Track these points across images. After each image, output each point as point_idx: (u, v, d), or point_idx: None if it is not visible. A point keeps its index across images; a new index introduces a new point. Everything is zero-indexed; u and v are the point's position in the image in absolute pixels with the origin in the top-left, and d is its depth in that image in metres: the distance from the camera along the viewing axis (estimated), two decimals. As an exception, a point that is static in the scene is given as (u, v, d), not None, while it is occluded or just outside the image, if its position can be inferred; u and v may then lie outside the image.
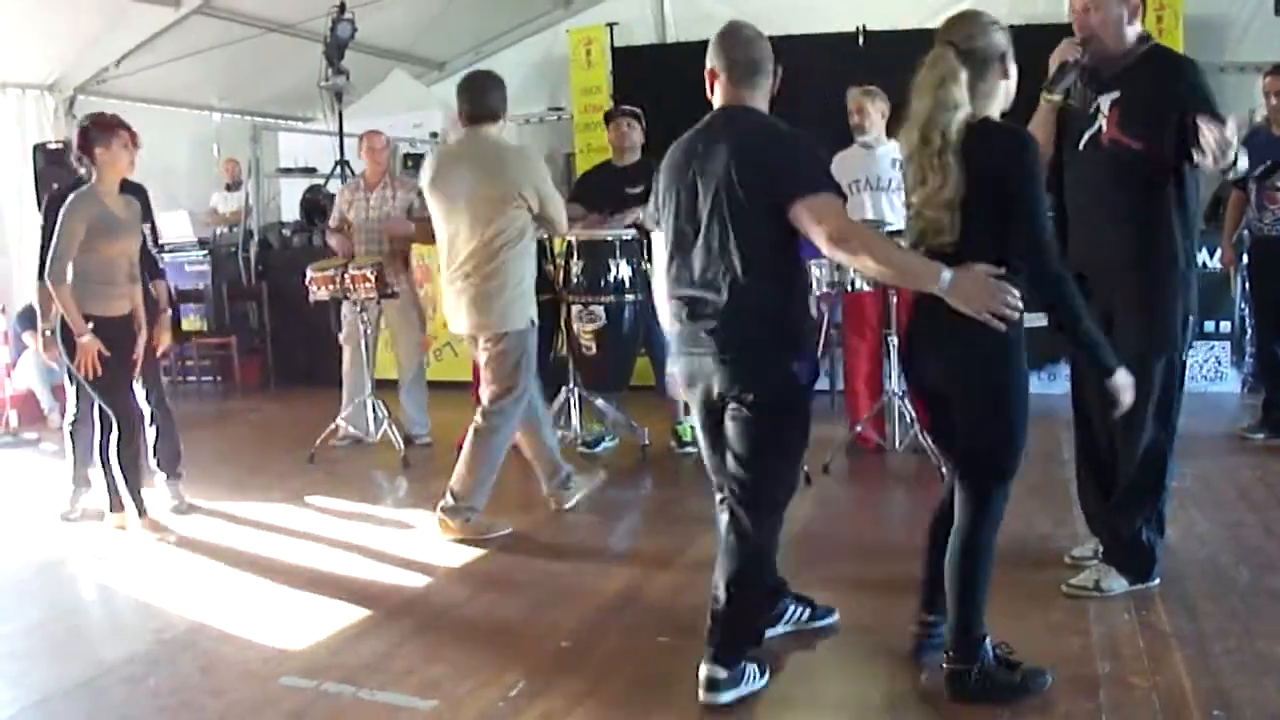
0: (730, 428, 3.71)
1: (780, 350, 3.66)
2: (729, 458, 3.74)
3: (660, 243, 3.95)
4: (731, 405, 3.68)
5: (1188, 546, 4.95)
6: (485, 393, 5.72)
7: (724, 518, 3.79)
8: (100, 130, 5.78)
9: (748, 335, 3.64)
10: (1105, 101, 4.35)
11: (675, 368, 3.89)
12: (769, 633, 4.07)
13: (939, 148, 3.37)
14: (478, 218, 5.52)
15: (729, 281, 3.61)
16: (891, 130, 7.03)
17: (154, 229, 6.61)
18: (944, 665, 3.67)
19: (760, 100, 3.79)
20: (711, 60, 3.77)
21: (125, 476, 5.88)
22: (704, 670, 3.70)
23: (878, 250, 3.60)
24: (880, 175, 7.01)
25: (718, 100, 3.79)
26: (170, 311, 6.69)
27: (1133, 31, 4.36)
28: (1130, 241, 4.32)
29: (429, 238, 6.16)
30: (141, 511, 5.94)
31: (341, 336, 8.09)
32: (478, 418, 5.72)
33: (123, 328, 5.85)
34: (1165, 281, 4.32)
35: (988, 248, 3.40)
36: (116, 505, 6.04)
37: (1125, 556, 4.52)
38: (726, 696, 3.69)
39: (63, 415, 6.89)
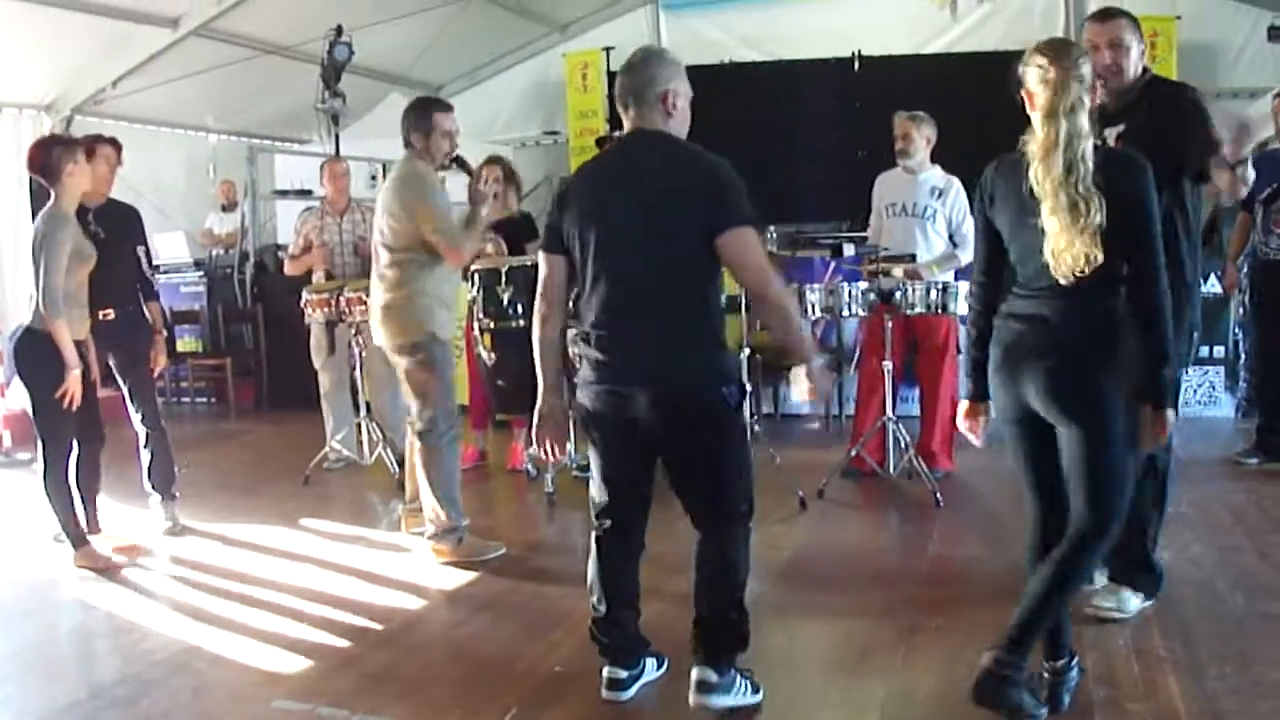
0: (679, 457, 3.80)
1: (713, 376, 3.70)
2: (688, 483, 3.85)
3: (552, 269, 3.88)
4: (675, 434, 3.72)
5: (1182, 571, 4.95)
6: (411, 408, 5.77)
7: (704, 531, 3.88)
8: (67, 148, 5.75)
9: (683, 365, 3.67)
10: (1111, 135, 4.43)
11: (587, 400, 3.82)
12: (631, 692, 4.02)
13: (1083, 174, 3.34)
14: (384, 235, 5.67)
15: (662, 310, 3.66)
16: (935, 156, 7.04)
17: (148, 251, 6.59)
18: (987, 666, 3.54)
19: (661, 121, 3.77)
20: (616, 92, 3.83)
21: (54, 505, 5.76)
22: (695, 673, 3.77)
23: (789, 302, 3.78)
24: (918, 202, 7.00)
25: (626, 128, 3.82)
26: (166, 333, 6.67)
27: (1140, 66, 4.50)
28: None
29: None
30: (76, 543, 5.79)
31: (318, 363, 8.09)
32: (414, 440, 5.80)
33: (85, 351, 5.79)
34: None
35: (1110, 273, 3.41)
36: (93, 527, 6.02)
37: (1137, 575, 4.57)
38: (719, 701, 3.76)
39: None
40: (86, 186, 5.81)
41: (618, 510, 3.94)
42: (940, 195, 6.94)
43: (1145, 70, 4.55)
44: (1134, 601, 4.54)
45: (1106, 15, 4.54)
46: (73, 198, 5.72)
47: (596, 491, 3.96)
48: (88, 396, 5.78)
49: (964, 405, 3.87)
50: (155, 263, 7.04)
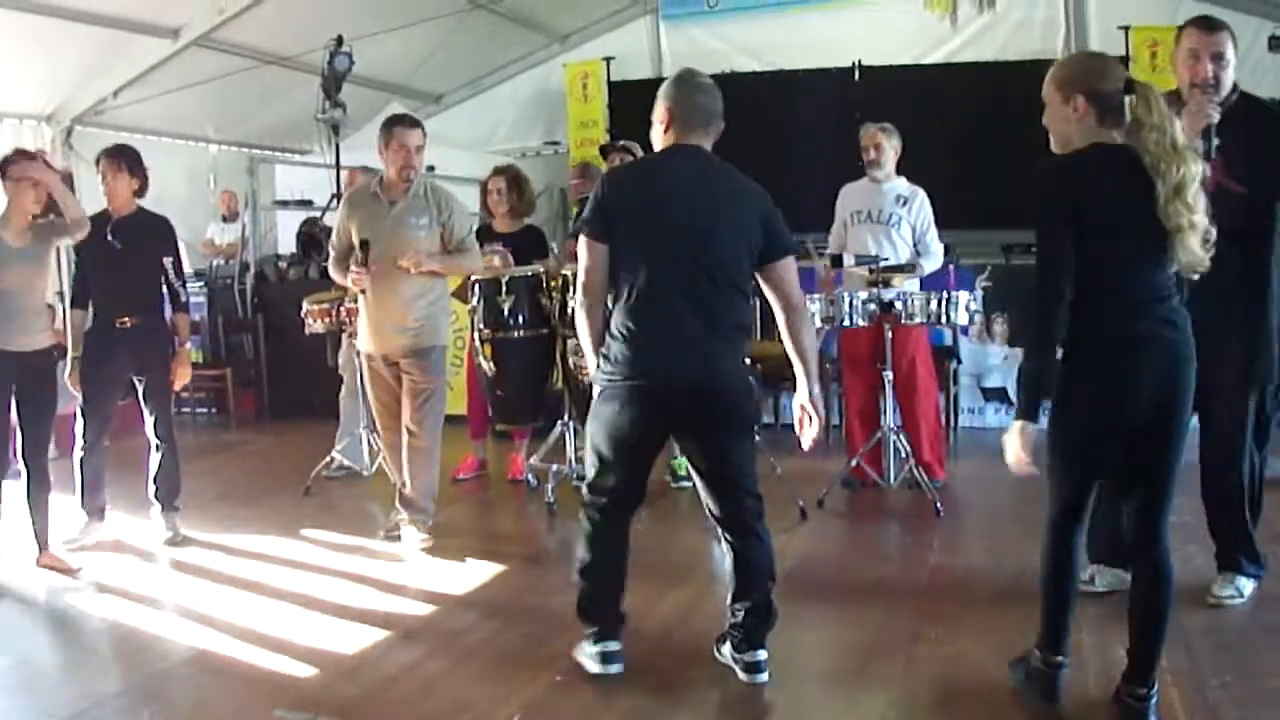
0: (722, 448, 4.11)
1: (745, 368, 4.23)
2: (725, 473, 4.12)
3: (597, 258, 4.08)
4: (710, 419, 4.06)
5: (1184, 580, 4.91)
6: None
7: (742, 530, 4.14)
8: (9, 164, 5.88)
9: (726, 359, 4.05)
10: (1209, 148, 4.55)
11: (618, 392, 4.03)
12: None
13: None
14: None
15: (711, 309, 3.99)
16: (901, 168, 7.10)
17: (177, 261, 6.55)
18: (1138, 699, 3.62)
19: (709, 146, 4.16)
20: (668, 102, 4.12)
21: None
22: (746, 658, 4.11)
23: (810, 325, 4.40)
24: (884, 210, 7.05)
25: (668, 140, 4.14)
26: (189, 345, 6.64)
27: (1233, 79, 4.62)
28: (1234, 279, 4.50)
29: None
30: (41, 546, 5.89)
31: (341, 364, 8.13)
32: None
33: (8, 363, 5.79)
34: (1265, 316, 4.63)
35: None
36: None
37: (1244, 560, 4.83)
38: (767, 673, 4.11)
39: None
40: (25, 205, 5.85)
41: (625, 491, 4.18)
42: (905, 203, 7.02)
43: (1235, 87, 4.63)
44: (1249, 585, 4.81)
45: (1212, 26, 4.59)
46: (9, 209, 5.85)
47: (606, 474, 4.15)
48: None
49: (1023, 429, 3.59)
50: (183, 275, 7.07)
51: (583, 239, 4.10)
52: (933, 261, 7.08)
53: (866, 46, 11.82)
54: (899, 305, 6.42)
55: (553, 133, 13.52)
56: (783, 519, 6.31)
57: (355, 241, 5.97)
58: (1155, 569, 3.59)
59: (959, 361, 8.76)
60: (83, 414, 6.30)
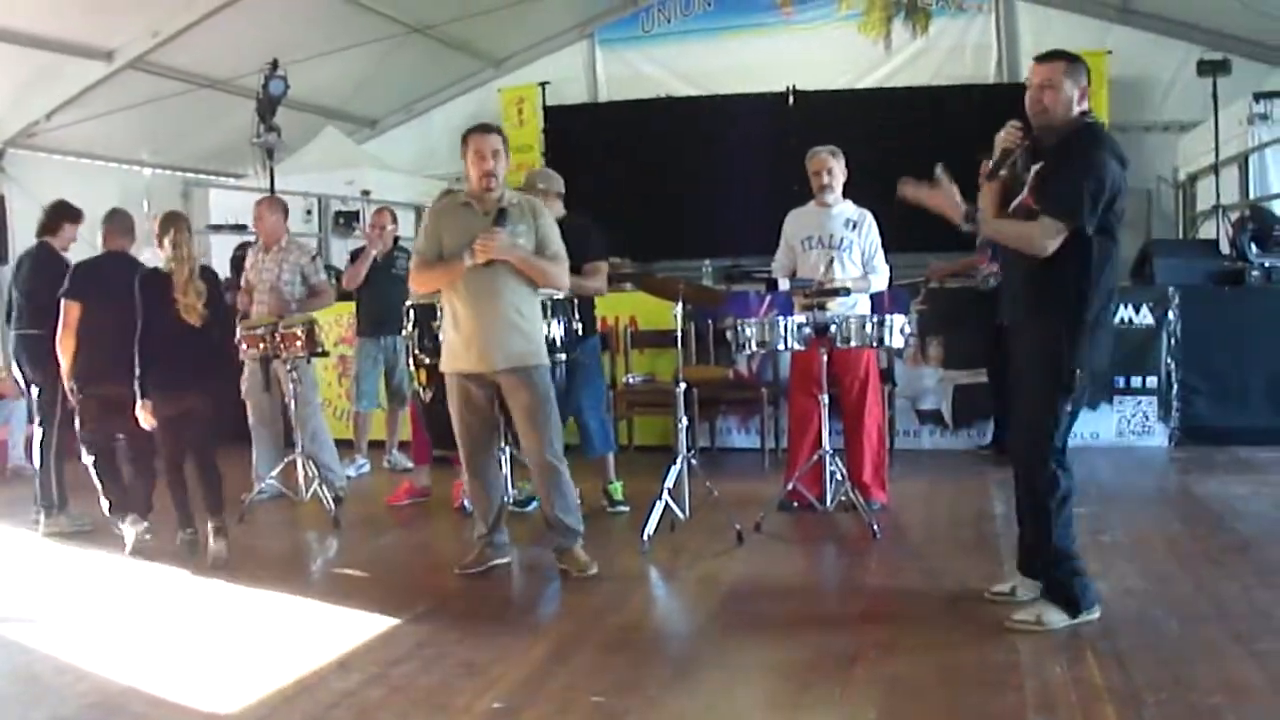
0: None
1: None
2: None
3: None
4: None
5: (1118, 599, 4.99)
6: None
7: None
8: None
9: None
10: (1033, 171, 4.67)
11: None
12: None
13: None
14: None
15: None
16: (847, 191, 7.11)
17: None
18: None
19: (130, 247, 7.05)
20: (108, 225, 7.13)
21: None
22: None
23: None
24: (834, 234, 7.02)
25: (110, 246, 7.05)
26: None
27: (1078, 109, 4.64)
28: (1032, 296, 4.70)
29: None
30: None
31: (244, 391, 8.03)
32: None
33: None
34: (1059, 335, 4.59)
35: None
36: None
37: (1057, 593, 4.74)
38: None
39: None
40: None
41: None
42: (855, 227, 7.00)
43: (1085, 114, 4.66)
44: (1058, 616, 4.71)
45: (1045, 57, 4.70)
46: None
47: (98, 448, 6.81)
48: None
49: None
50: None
51: (67, 302, 6.74)
52: (880, 280, 7.08)
53: (801, 71, 11.95)
54: (834, 328, 6.42)
55: (490, 157, 13.51)
56: (719, 543, 6.31)
57: (443, 251, 5.76)
58: None
59: (894, 384, 8.81)
60: (53, 423, 7.30)
